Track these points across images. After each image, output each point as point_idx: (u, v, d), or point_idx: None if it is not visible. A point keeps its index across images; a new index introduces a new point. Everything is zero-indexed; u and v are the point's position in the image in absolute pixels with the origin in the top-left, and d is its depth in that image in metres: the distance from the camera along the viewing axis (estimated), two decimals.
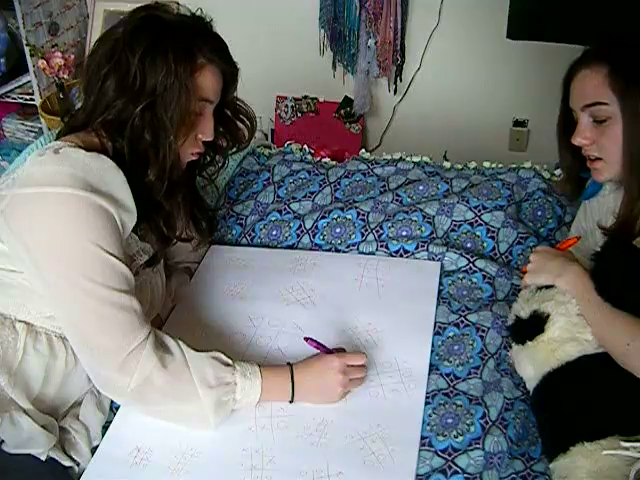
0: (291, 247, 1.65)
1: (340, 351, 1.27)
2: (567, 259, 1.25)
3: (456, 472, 1.14)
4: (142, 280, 1.32)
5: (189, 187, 1.50)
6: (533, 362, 1.23)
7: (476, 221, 1.61)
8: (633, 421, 1.11)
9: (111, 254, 1.14)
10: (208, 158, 1.48)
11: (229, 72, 1.32)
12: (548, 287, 1.27)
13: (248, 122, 1.46)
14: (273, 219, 1.69)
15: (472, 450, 1.17)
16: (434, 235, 1.60)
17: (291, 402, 1.24)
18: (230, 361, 1.21)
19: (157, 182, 1.23)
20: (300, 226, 1.66)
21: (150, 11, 1.25)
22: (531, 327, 1.23)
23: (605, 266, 1.23)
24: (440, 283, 1.49)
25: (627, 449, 1.07)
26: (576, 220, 1.49)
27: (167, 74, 1.18)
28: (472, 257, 1.53)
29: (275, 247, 1.65)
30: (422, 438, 1.20)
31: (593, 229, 1.38)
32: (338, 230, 1.64)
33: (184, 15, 1.28)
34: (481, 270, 1.51)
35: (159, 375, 1.15)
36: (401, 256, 1.57)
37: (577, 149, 1.30)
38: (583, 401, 1.16)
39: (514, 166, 1.78)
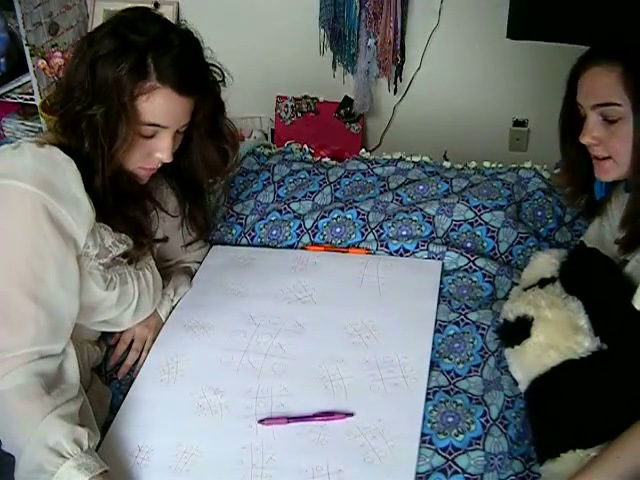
0: (291, 247, 1.65)
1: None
2: None
3: (456, 472, 1.14)
4: (125, 273, 1.31)
5: (185, 185, 1.49)
6: (521, 366, 1.22)
7: (476, 221, 1.61)
8: (621, 429, 1.07)
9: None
10: None
11: (195, 97, 1.25)
12: (534, 287, 1.27)
13: (230, 150, 1.41)
14: (273, 219, 1.69)
15: (473, 450, 1.16)
16: (434, 235, 1.60)
17: None
18: (73, 452, 1.06)
19: (103, 190, 1.21)
20: (300, 226, 1.66)
21: (121, 20, 1.22)
22: (518, 331, 1.22)
23: (572, 273, 1.24)
24: (440, 282, 1.49)
25: None
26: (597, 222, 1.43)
27: (111, 90, 1.16)
28: (472, 256, 1.53)
29: (275, 247, 1.65)
30: (423, 435, 1.19)
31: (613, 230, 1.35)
32: (338, 230, 1.64)
33: (165, 26, 1.22)
34: (481, 269, 1.51)
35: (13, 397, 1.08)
36: (401, 255, 1.57)
37: (582, 145, 1.27)
38: (570, 408, 1.14)
39: (514, 166, 1.78)
